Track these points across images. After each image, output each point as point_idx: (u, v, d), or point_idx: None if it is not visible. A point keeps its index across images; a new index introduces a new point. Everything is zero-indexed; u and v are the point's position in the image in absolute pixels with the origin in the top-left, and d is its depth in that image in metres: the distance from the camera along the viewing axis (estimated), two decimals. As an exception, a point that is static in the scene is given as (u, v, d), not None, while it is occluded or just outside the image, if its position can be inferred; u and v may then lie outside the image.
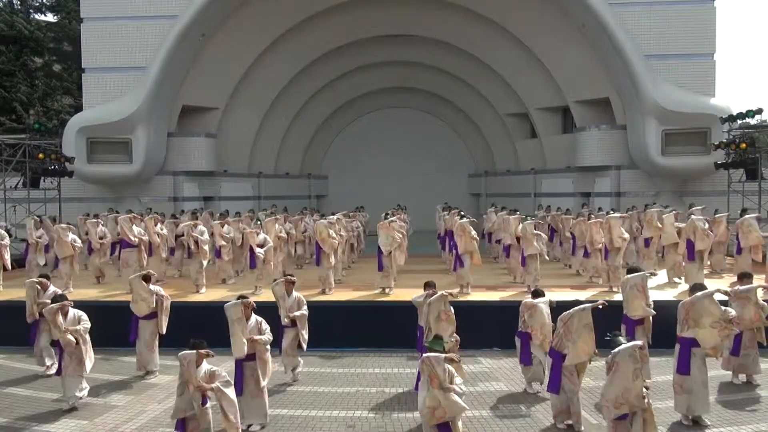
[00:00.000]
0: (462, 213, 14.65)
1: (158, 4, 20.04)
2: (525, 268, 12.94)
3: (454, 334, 8.13)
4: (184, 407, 6.04)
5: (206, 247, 13.33)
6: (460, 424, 6.20)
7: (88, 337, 8.39)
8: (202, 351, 6.15)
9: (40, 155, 17.30)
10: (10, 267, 13.84)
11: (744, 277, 9.24)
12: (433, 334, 7.71)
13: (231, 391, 6.29)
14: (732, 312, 7.48)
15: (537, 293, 8.88)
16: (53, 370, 9.41)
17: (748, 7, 66.87)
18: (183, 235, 14.48)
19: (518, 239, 13.61)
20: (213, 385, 6.12)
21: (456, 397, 6.03)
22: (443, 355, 6.20)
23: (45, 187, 18.93)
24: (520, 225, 13.48)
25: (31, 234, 14.63)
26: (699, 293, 7.44)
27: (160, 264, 14.48)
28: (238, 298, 7.58)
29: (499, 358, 10.44)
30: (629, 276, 9.00)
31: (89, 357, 8.37)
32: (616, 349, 6.07)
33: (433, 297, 8.28)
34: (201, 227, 13.51)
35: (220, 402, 6.13)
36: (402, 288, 12.80)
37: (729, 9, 65.97)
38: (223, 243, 13.98)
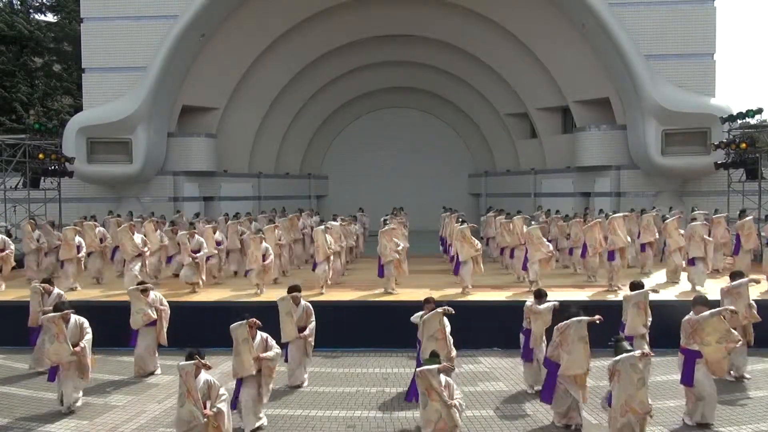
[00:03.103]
0: (462, 219, 14.56)
1: (158, 4, 20.05)
2: (527, 271, 12.85)
3: (452, 352, 8.06)
4: (187, 418, 6.03)
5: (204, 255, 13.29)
6: None
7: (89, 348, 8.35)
8: (199, 363, 6.16)
9: (40, 155, 17.29)
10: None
11: (736, 276, 9.23)
12: (428, 351, 7.67)
13: (227, 408, 6.33)
14: (735, 334, 7.37)
15: (539, 294, 8.78)
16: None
17: (748, 7, 66.90)
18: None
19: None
20: (214, 411, 6.15)
21: (456, 413, 6.04)
22: (436, 366, 6.19)
23: (45, 187, 18.92)
24: (525, 228, 13.42)
25: (31, 239, 14.58)
26: (706, 313, 7.33)
27: (160, 265, 14.45)
28: (242, 318, 7.47)
29: (499, 358, 10.44)
30: (632, 293, 8.94)
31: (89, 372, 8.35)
32: (618, 357, 6.09)
33: (428, 314, 7.97)
34: (198, 238, 13.43)
35: (216, 419, 6.15)
36: (403, 288, 12.80)
37: (729, 9, 66.04)
38: (215, 252, 13.95)
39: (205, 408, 6.10)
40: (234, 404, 7.29)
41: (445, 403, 6.01)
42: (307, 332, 9.01)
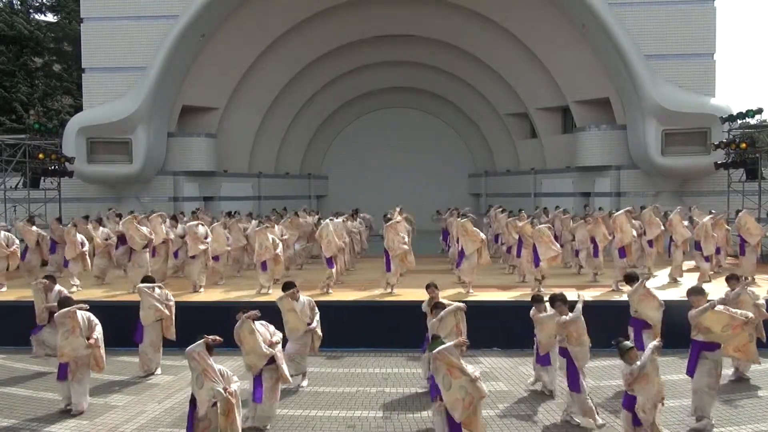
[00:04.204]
0: (458, 211, 14.54)
1: (158, 4, 20.04)
2: (537, 269, 12.84)
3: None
4: (207, 398, 5.98)
5: (207, 246, 13.32)
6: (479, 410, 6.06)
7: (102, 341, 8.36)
8: (208, 339, 6.15)
9: (40, 155, 17.29)
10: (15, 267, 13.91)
11: (731, 279, 9.04)
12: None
13: (239, 395, 6.31)
14: (749, 314, 7.38)
15: (536, 299, 8.74)
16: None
17: (748, 7, 66.94)
18: (185, 235, 14.47)
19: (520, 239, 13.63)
20: (232, 389, 6.12)
21: (481, 383, 5.94)
22: (452, 342, 6.11)
23: (45, 187, 18.93)
24: (530, 227, 13.42)
25: (31, 235, 14.57)
26: (700, 308, 7.34)
27: (162, 264, 14.46)
28: (238, 312, 7.44)
29: (499, 358, 10.43)
30: (632, 289, 8.89)
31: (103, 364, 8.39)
32: (643, 361, 6.10)
33: (446, 310, 8.00)
34: (204, 228, 13.49)
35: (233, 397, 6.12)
36: (404, 288, 12.79)
37: (729, 9, 66.09)
38: (227, 249, 14.03)
39: None
40: (258, 397, 7.32)
41: (469, 377, 5.86)
42: (314, 324, 8.93)
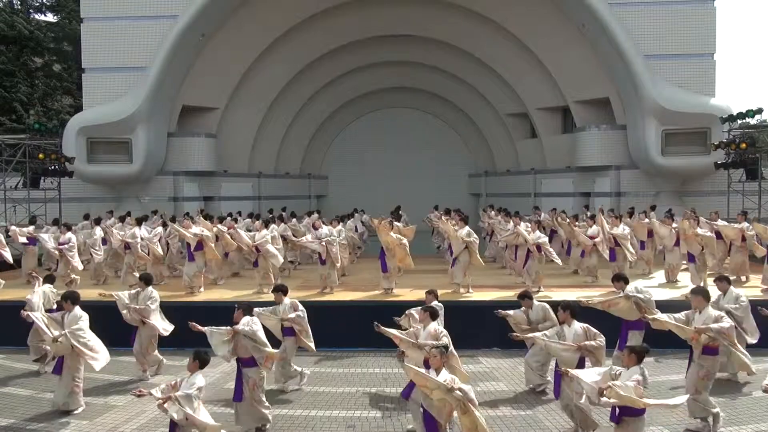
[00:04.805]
0: (460, 213, 14.48)
1: (158, 4, 20.02)
2: (526, 268, 12.89)
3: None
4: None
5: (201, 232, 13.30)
6: (476, 413, 5.87)
7: (87, 338, 8.12)
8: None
9: (40, 155, 17.30)
10: (11, 261, 13.89)
11: (718, 281, 9.00)
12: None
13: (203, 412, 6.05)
14: (725, 324, 7.25)
15: (522, 296, 8.83)
16: (49, 368, 9.37)
17: (748, 7, 66.96)
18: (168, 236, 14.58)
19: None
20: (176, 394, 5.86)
21: (459, 393, 5.78)
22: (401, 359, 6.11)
23: (45, 187, 18.93)
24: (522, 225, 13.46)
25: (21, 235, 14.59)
26: (665, 317, 7.40)
27: (157, 266, 14.46)
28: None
29: (499, 358, 10.44)
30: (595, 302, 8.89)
31: (95, 356, 8.15)
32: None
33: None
34: (200, 227, 13.50)
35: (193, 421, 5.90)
36: (403, 288, 12.79)
37: (729, 9, 66.10)
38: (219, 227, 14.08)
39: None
40: (238, 396, 7.23)
41: (443, 388, 5.77)
42: (293, 315, 8.65)
